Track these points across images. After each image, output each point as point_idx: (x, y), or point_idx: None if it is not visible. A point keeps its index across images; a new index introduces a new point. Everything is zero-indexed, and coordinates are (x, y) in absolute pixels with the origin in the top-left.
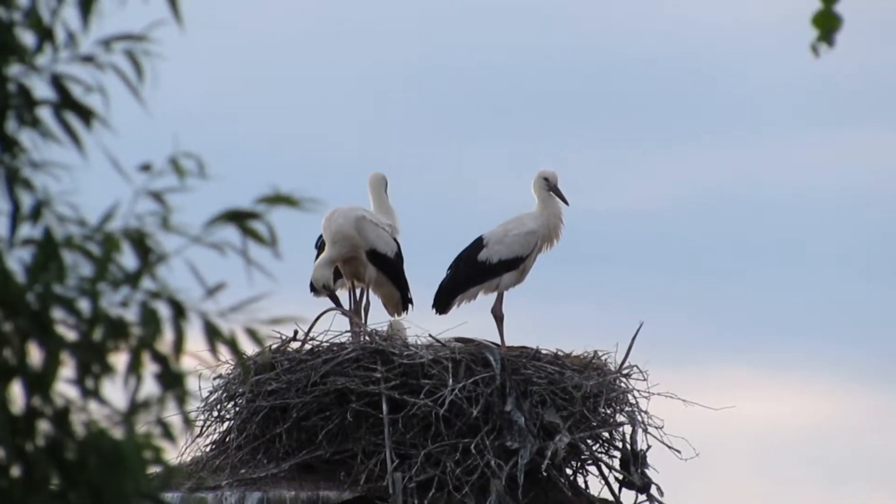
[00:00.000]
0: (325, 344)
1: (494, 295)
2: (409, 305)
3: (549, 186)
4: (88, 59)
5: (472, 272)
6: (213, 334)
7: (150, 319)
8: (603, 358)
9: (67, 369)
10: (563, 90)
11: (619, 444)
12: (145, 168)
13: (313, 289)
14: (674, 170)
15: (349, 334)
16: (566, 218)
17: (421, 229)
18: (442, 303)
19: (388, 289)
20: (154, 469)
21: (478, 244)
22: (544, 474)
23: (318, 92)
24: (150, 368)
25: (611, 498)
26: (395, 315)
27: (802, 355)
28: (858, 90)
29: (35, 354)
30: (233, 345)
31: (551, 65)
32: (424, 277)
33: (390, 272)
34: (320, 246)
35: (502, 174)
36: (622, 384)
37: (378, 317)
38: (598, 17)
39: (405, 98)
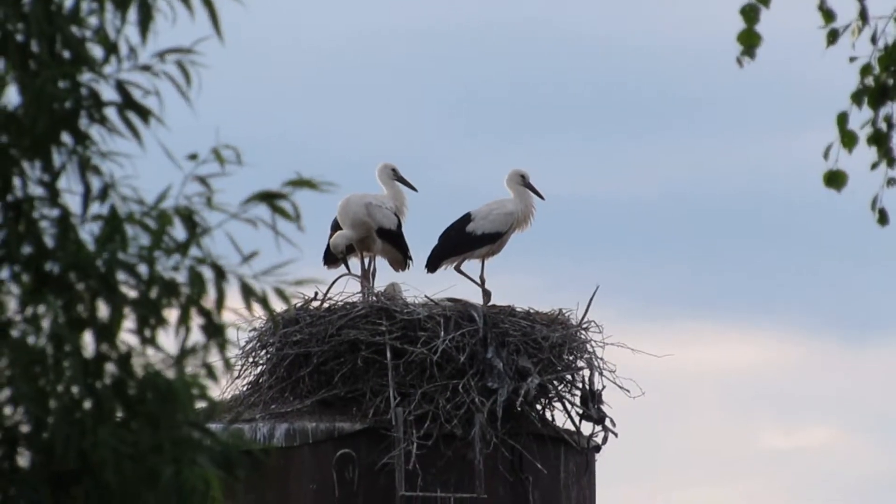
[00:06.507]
0: (339, 303)
1: (474, 262)
2: (410, 262)
3: (525, 182)
4: (146, 68)
5: (459, 241)
6: (248, 293)
7: (196, 281)
8: (566, 314)
9: (129, 322)
10: (542, 79)
11: (580, 385)
12: (192, 157)
13: (326, 261)
14: (639, 160)
15: (359, 295)
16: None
17: (421, 208)
18: (432, 264)
19: (393, 253)
20: (200, 404)
21: (466, 218)
22: (519, 409)
23: (331, 94)
24: (196, 321)
25: (573, 428)
26: (400, 270)
27: (742, 312)
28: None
29: (103, 309)
30: (264, 302)
31: (534, 52)
32: (423, 244)
33: (394, 241)
34: (334, 226)
35: (485, 163)
36: (582, 336)
37: (385, 277)
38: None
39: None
